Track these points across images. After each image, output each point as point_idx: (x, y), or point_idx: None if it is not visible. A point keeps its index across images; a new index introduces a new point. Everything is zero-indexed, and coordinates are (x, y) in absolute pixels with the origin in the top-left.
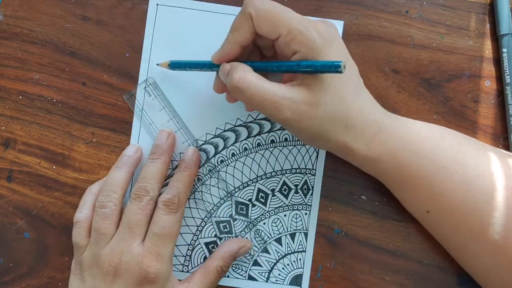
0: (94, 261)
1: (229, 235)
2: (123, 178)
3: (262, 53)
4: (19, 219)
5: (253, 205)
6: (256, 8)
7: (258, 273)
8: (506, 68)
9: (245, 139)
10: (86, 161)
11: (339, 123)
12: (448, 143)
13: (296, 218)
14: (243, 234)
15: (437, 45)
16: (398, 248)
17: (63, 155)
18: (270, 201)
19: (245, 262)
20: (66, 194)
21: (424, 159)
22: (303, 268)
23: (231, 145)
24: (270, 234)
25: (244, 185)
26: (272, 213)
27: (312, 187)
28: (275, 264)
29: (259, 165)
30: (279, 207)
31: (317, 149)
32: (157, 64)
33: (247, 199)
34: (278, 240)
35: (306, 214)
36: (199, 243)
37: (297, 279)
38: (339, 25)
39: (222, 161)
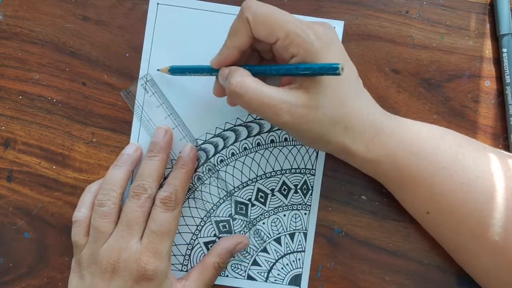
0: (93, 259)
1: (229, 235)
2: (122, 176)
3: (261, 56)
4: (19, 219)
5: (253, 205)
6: (253, 12)
7: (257, 273)
8: (506, 68)
9: (245, 139)
10: (86, 161)
11: (338, 125)
12: (448, 144)
13: (295, 218)
14: (242, 233)
15: (437, 45)
16: (398, 248)
17: (63, 155)
18: (270, 201)
19: (244, 262)
20: (66, 194)
21: (424, 160)
22: (302, 268)
23: (231, 145)
24: (270, 234)
25: (244, 185)
26: (271, 213)
27: (312, 187)
28: (274, 264)
29: (258, 164)
30: (279, 207)
31: (317, 150)
32: (158, 70)
33: (246, 198)
34: (278, 240)
35: (305, 214)
36: (199, 243)
37: (296, 279)
38: (339, 25)
39: (221, 161)
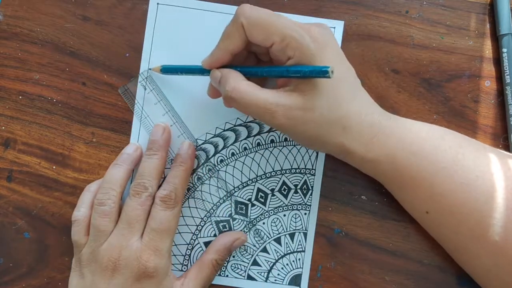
0: (93, 257)
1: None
2: (122, 175)
3: (258, 57)
4: (19, 219)
5: (253, 205)
6: (248, 17)
7: (257, 273)
8: (506, 68)
9: (245, 139)
10: (86, 161)
11: (335, 126)
12: (448, 144)
13: (295, 218)
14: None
15: (437, 45)
16: (398, 248)
17: (63, 155)
18: (270, 201)
19: (244, 262)
20: (66, 194)
21: (424, 160)
22: (302, 268)
23: (231, 145)
24: (270, 234)
25: (244, 185)
26: (271, 213)
27: (312, 187)
28: (274, 264)
29: (258, 164)
30: (279, 207)
31: (316, 150)
32: (149, 69)
33: (246, 198)
34: (278, 240)
35: (305, 214)
36: (199, 243)
37: (296, 279)
38: (339, 25)
39: (221, 161)
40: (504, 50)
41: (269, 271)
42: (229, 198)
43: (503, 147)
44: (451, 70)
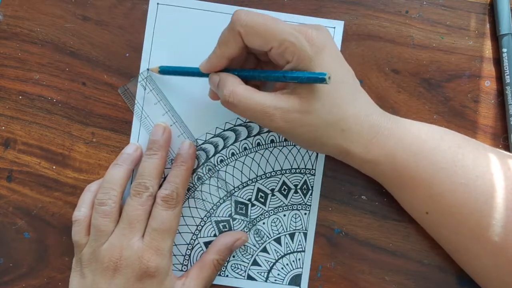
0: (94, 257)
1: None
2: (122, 175)
3: (258, 58)
4: (19, 219)
5: (253, 205)
6: (245, 25)
7: (257, 273)
8: (506, 68)
9: (245, 139)
10: (86, 161)
11: (334, 128)
12: (448, 144)
13: (295, 218)
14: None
15: (437, 45)
16: (398, 248)
17: (63, 155)
18: (270, 201)
19: (244, 262)
20: (66, 194)
21: (424, 160)
22: (302, 268)
23: (231, 145)
24: (270, 234)
25: (244, 185)
26: (271, 213)
27: (312, 187)
28: (274, 264)
29: (258, 164)
30: (279, 207)
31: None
32: (148, 69)
33: (246, 198)
34: (278, 240)
35: (305, 214)
36: (199, 243)
37: (296, 279)
38: (339, 25)
39: (222, 161)
40: (504, 50)
41: (269, 271)
42: (229, 198)
43: (503, 147)
44: (451, 70)
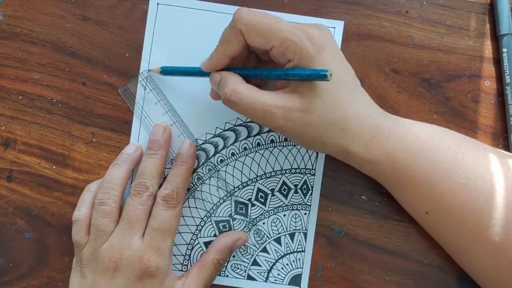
0: (94, 257)
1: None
2: (122, 175)
3: (259, 57)
4: (19, 219)
5: (253, 205)
6: (247, 23)
7: (257, 273)
8: (506, 68)
9: (245, 139)
10: (86, 161)
11: (334, 127)
12: (448, 144)
13: (295, 218)
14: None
15: (437, 45)
16: (398, 248)
17: (63, 155)
18: (270, 201)
19: (244, 262)
20: (66, 194)
21: (424, 160)
22: (302, 268)
23: (231, 145)
24: (270, 234)
25: (244, 185)
26: (271, 213)
27: (312, 187)
28: (274, 264)
29: (258, 164)
30: (279, 207)
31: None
32: (149, 70)
33: (246, 198)
34: (278, 240)
35: (305, 214)
36: (199, 243)
37: (296, 279)
38: (339, 25)
39: (222, 161)
40: (504, 50)
41: (269, 271)
42: (229, 198)
43: (503, 147)
44: (451, 70)
